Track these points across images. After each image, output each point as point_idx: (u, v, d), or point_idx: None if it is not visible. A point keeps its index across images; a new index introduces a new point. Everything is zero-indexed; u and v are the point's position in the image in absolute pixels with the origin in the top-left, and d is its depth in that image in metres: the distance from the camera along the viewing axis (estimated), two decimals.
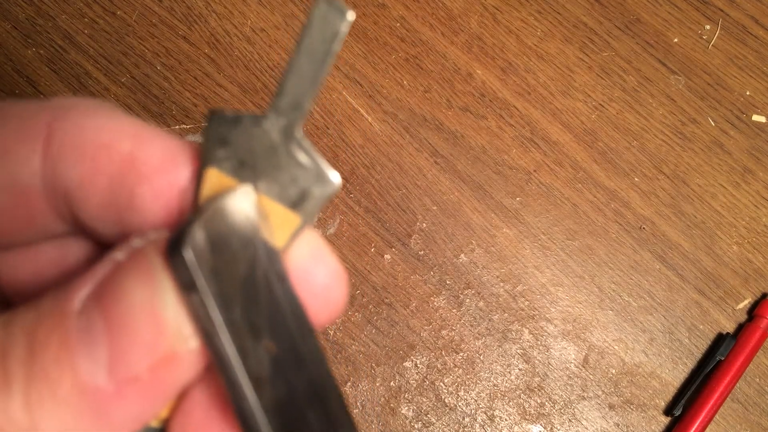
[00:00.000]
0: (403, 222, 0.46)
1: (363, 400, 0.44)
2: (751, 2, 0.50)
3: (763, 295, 0.45)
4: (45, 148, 0.16)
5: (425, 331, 0.45)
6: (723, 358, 0.44)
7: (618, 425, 0.44)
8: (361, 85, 0.48)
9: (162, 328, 0.13)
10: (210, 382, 0.16)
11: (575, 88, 0.49)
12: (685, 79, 0.49)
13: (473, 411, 0.44)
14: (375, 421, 0.43)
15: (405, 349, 0.44)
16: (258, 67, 0.48)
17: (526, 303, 0.45)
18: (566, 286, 0.46)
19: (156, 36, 0.49)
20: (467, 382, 0.44)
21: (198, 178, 0.16)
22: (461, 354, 0.45)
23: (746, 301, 0.46)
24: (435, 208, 0.46)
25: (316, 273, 0.16)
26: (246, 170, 0.15)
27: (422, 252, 0.46)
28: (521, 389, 0.44)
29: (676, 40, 0.49)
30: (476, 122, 0.48)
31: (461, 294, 0.45)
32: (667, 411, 0.44)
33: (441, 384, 0.44)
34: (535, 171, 0.47)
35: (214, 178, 0.16)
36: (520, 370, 0.45)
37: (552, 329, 0.45)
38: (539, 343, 0.45)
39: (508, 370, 0.44)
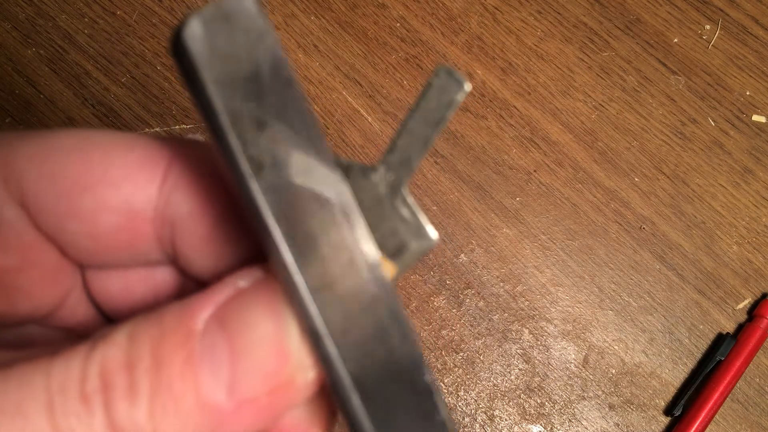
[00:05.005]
0: None
1: None
2: (751, 2, 0.50)
3: (763, 295, 0.45)
4: (163, 180, 0.17)
5: (425, 331, 0.45)
6: (723, 358, 0.44)
7: (618, 425, 0.44)
8: (361, 85, 0.48)
9: (285, 358, 0.14)
10: (306, 406, 0.17)
11: (575, 88, 0.49)
12: (685, 79, 0.49)
13: (473, 411, 0.44)
14: None
15: None
16: None
17: (526, 303, 0.45)
18: (566, 286, 0.46)
19: (156, 36, 0.49)
20: (467, 382, 0.44)
21: None
22: (461, 354, 0.45)
23: (746, 301, 0.46)
24: (435, 208, 0.46)
25: None
26: None
27: None
28: (521, 389, 0.44)
29: (676, 40, 0.49)
30: (476, 122, 0.48)
31: (461, 294, 0.45)
32: (667, 411, 0.44)
33: (441, 384, 0.44)
34: (535, 171, 0.47)
35: None
36: (520, 370, 0.44)
37: (552, 329, 0.45)
38: (539, 343, 0.45)
39: (508, 370, 0.44)
